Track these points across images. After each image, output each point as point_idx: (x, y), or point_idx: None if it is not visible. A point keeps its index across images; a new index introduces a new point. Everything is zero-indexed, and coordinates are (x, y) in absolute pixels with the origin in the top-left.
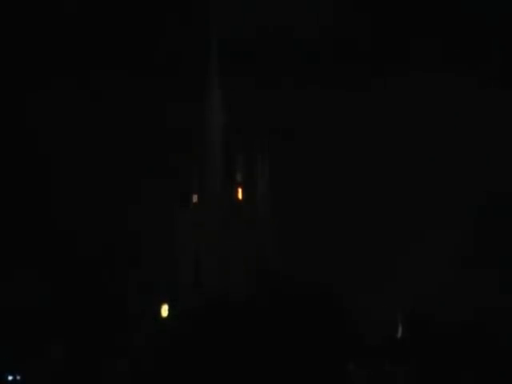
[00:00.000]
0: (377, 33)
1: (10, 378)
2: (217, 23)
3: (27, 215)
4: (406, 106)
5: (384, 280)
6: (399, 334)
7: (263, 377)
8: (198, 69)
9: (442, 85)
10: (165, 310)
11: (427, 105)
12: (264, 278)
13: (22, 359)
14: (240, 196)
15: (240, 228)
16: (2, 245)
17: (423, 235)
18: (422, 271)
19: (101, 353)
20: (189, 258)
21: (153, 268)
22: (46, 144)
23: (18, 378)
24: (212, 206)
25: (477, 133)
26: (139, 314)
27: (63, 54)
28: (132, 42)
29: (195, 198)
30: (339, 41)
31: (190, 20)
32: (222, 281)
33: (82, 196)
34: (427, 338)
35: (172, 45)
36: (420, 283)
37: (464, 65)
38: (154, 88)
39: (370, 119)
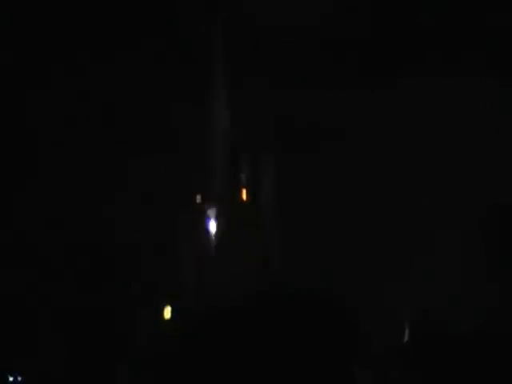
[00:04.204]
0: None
1: (11, 378)
2: (224, 19)
3: (27, 213)
4: (415, 108)
5: (391, 283)
6: (406, 338)
7: (266, 379)
8: (203, 66)
9: (455, 88)
10: (167, 312)
11: (440, 107)
12: (268, 280)
13: (23, 360)
14: (244, 196)
15: (244, 228)
16: (2, 245)
17: (432, 238)
18: (431, 275)
19: (102, 355)
20: (192, 259)
21: (155, 269)
22: (42, 143)
23: (19, 379)
24: (216, 207)
25: (495, 139)
26: (141, 315)
27: (60, 49)
28: (134, 39)
29: (199, 199)
30: (350, 40)
31: (195, 15)
32: (225, 282)
33: (82, 196)
34: (435, 342)
35: (175, 42)
36: (428, 287)
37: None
38: (155, 86)
39: (379, 120)
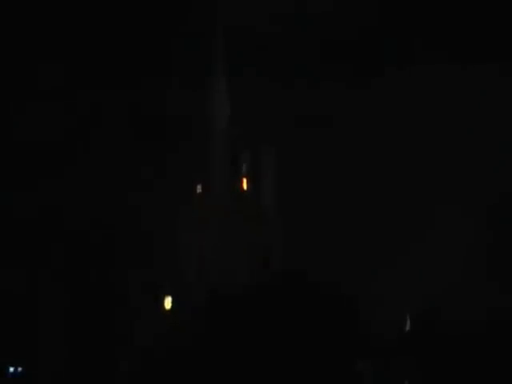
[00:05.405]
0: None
1: (11, 369)
2: (224, 9)
3: (26, 207)
4: (414, 99)
5: (392, 278)
6: (407, 328)
7: (268, 374)
8: (204, 58)
9: (455, 77)
10: (168, 303)
11: (436, 98)
12: (268, 272)
13: (24, 351)
14: (245, 187)
15: (245, 219)
16: (4, 235)
17: (434, 233)
18: (432, 270)
19: (103, 345)
20: (192, 249)
21: (155, 260)
22: (43, 134)
23: (20, 369)
24: (216, 197)
25: (493, 129)
26: (142, 306)
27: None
28: (134, 29)
29: (199, 189)
30: (352, 31)
31: (195, 5)
32: (225, 273)
33: (81, 188)
34: (434, 334)
35: (176, 33)
36: (429, 282)
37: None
38: (156, 75)
39: (380, 114)
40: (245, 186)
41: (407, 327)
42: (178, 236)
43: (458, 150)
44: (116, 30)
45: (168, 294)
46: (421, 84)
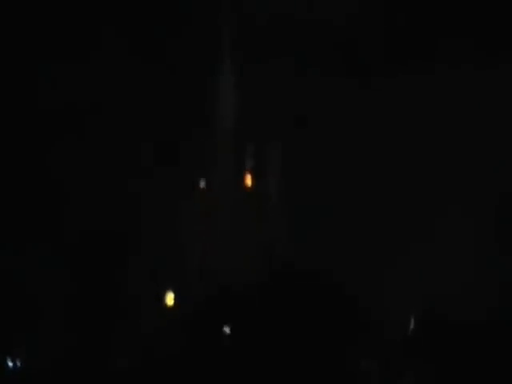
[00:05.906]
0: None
1: (10, 364)
2: (231, 6)
3: (29, 200)
4: (415, 99)
5: (397, 275)
6: (411, 327)
7: (271, 372)
8: (210, 52)
9: (459, 77)
10: (170, 298)
11: (436, 98)
12: (271, 267)
13: (23, 344)
14: (249, 182)
15: (248, 215)
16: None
17: (436, 233)
18: (436, 269)
19: (103, 341)
20: (194, 244)
21: (156, 255)
22: (47, 118)
23: (19, 364)
24: (220, 192)
25: (493, 129)
26: (143, 301)
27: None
28: (135, 28)
29: (203, 183)
30: (360, 27)
31: (204, 9)
32: (227, 269)
33: (82, 182)
34: (439, 334)
35: (180, 30)
36: (434, 280)
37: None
38: (160, 68)
39: (385, 112)
40: (249, 182)
41: (412, 327)
42: (180, 231)
43: (458, 149)
44: (117, 27)
45: (170, 289)
46: (421, 84)
